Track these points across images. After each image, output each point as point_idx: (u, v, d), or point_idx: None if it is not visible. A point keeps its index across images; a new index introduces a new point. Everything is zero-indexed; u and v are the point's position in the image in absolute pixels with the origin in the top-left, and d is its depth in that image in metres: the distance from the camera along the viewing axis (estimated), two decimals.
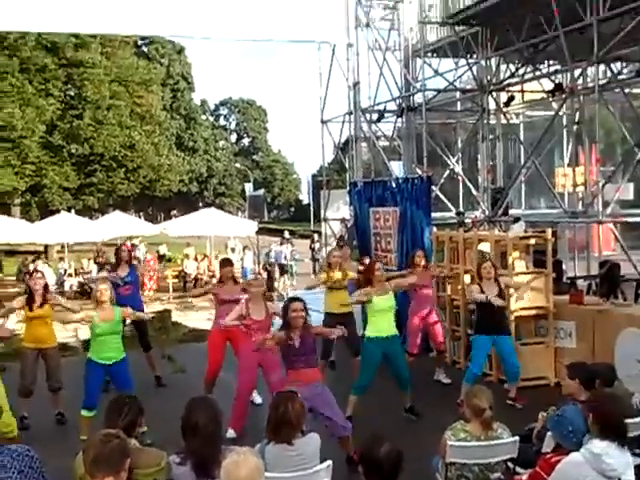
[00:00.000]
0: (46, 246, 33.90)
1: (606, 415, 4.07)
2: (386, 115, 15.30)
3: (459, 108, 17.44)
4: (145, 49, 62.70)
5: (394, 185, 12.39)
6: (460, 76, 16.06)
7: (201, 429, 4.06)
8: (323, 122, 16.12)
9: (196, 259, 23.83)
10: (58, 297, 8.43)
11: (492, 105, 14.90)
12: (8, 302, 8.76)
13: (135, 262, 11.70)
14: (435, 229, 11.51)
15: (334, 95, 15.91)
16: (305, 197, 77.17)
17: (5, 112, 34.02)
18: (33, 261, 22.50)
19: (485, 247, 9.91)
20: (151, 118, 43.66)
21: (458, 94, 16.30)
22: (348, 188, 14.62)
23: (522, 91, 15.75)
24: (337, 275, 9.24)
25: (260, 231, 21.20)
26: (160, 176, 44.71)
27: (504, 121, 15.67)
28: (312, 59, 16.52)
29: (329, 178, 17.63)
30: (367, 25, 14.70)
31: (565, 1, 10.63)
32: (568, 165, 15.86)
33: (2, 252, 26.23)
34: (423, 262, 9.47)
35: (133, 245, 25.16)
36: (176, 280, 22.79)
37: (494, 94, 14.59)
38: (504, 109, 15.10)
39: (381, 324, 7.65)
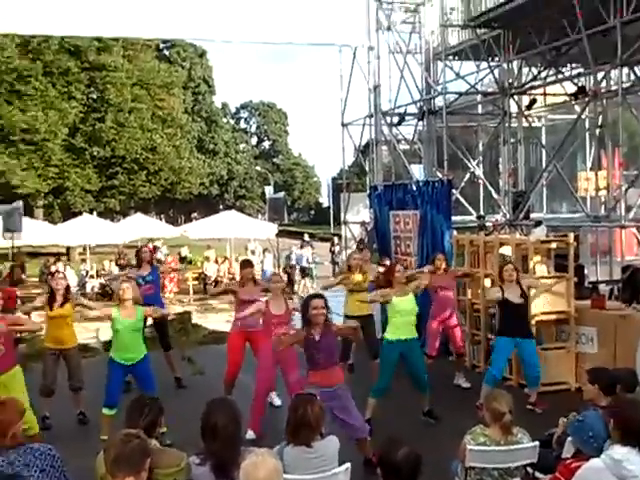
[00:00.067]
0: (68, 248, 34.21)
1: (627, 421, 4.02)
2: (407, 118, 15.30)
3: (480, 111, 17.39)
4: (167, 52, 63.15)
5: (414, 188, 12.37)
6: (482, 79, 16.02)
7: (220, 430, 4.06)
8: (344, 125, 16.14)
9: (216, 261, 23.90)
10: (80, 297, 8.50)
11: (514, 108, 14.83)
12: (30, 303, 8.85)
13: (156, 263, 11.78)
14: (455, 233, 11.47)
15: (355, 98, 15.94)
16: (325, 200, 77.15)
17: (29, 115, 34.37)
18: (55, 262, 22.68)
19: (506, 251, 9.86)
20: (172, 121, 43.89)
21: (479, 97, 16.26)
22: (368, 191, 14.61)
23: (544, 94, 15.68)
24: (357, 277, 9.25)
25: (280, 234, 21.25)
26: (181, 179, 44.92)
27: (526, 124, 15.59)
28: (333, 62, 16.56)
29: (349, 181, 17.64)
30: (388, 28, 14.72)
31: (588, 3, 10.56)
32: (591, 169, 15.76)
33: (25, 254, 26.46)
34: (444, 265, 9.46)
35: (155, 247, 25.28)
36: (196, 282, 22.87)
37: (516, 97, 14.53)
38: (526, 112, 15.03)
39: (401, 326, 7.62)
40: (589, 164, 16.12)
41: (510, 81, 14.21)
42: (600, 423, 4.45)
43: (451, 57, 15.42)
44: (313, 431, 4.53)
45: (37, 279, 21.82)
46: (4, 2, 12.05)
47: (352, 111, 16.32)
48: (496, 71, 14.59)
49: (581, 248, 11.89)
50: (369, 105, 15.14)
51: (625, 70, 13.11)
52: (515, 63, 14.64)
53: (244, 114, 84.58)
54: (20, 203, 15.65)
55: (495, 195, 15.05)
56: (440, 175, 13.34)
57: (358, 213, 16.07)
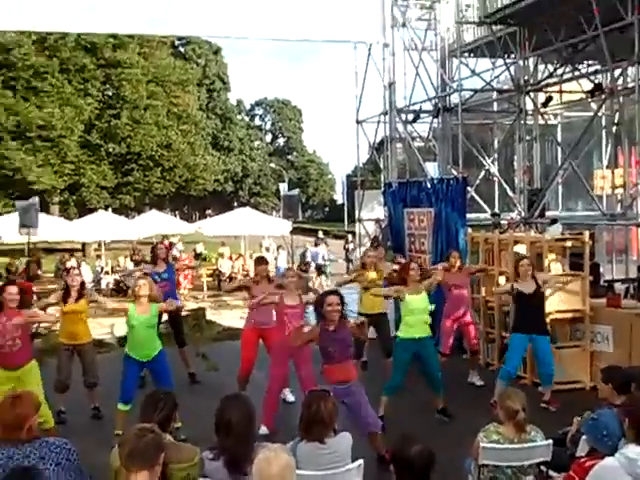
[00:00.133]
0: (83, 244, 34.41)
1: None
2: (422, 115, 15.25)
3: (496, 108, 17.31)
4: (182, 49, 63.38)
5: (429, 186, 12.34)
6: (497, 76, 15.94)
7: (234, 426, 4.08)
8: (358, 122, 16.12)
9: (230, 258, 23.96)
10: (95, 294, 8.56)
11: (529, 106, 14.75)
12: (46, 299, 8.91)
13: (171, 260, 11.82)
14: (470, 230, 11.44)
15: (370, 95, 15.92)
16: (339, 197, 77.27)
17: (45, 112, 34.60)
18: (69, 258, 22.78)
19: (521, 249, 9.82)
20: (187, 118, 44.03)
21: (495, 94, 16.18)
22: (383, 188, 14.59)
23: (560, 91, 15.59)
24: (372, 275, 9.26)
25: (294, 231, 21.25)
26: (196, 175, 45.06)
27: (542, 122, 15.51)
28: (348, 59, 16.55)
29: (364, 178, 17.63)
30: (403, 25, 14.67)
31: (605, 0, 10.49)
32: (607, 167, 15.66)
33: (41, 249, 26.64)
34: (458, 263, 9.44)
35: (171, 243, 25.37)
36: (210, 279, 22.94)
37: (532, 94, 14.45)
38: (542, 110, 14.94)
39: (414, 324, 7.62)
40: (605, 162, 16.01)
41: (526, 78, 14.13)
42: (615, 422, 4.43)
43: (466, 54, 15.36)
44: (326, 427, 4.54)
45: (53, 275, 21.93)
46: (21, 0, 12.14)
47: (367, 108, 16.31)
48: (512, 68, 14.52)
49: (597, 246, 11.84)
50: (384, 102, 15.10)
51: None
52: (531, 60, 14.56)
53: (259, 111, 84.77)
54: (36, 199, 15.74)
55: (510, 193, 14.97)
56: (455, 173, 13.30)
57: (372, 210, 16.04)
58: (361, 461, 4.58)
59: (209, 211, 69.44)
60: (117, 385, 7.49)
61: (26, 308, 7.75)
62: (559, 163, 15.48)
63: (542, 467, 4.85)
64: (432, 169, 15.35)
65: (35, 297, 13.11)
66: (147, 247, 24.46)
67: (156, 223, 25.66)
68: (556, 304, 9.16)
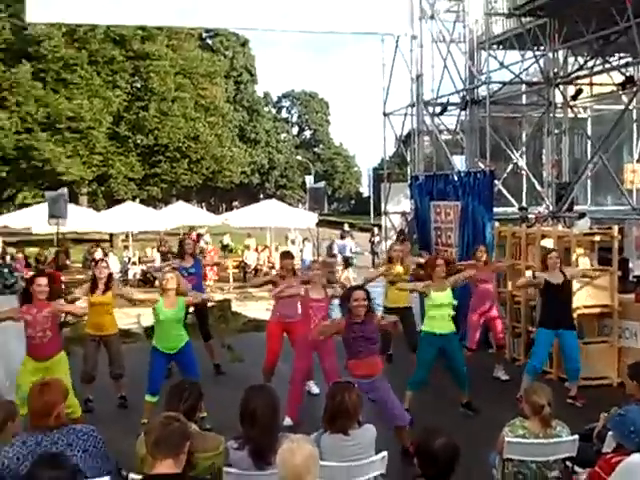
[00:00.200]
0: (111, 235, 34.74)
1: None
2: (449, 108, 15.17)
3: (524, 101, 17.16)
4: (210, 41, 63.57)
5: (456, 179, 12.26)
6: (526, 69, 15.81)
7: (259, 416, 4.11)
8: (385, 115, 16.07)
9: (256, 250, 24.04)
10: (121, 288, 8.63)
11: (559, 99, 14.60)
12: (75, 288, 9.00)
13: (198, 252, 11.86)
14: (497, 224, 11.36)
15: (397, 87, 15.87)
16: (365, 190, 77.14)
17: (74, 103, 34.93)
18: (96, 247, 22.98)
19: (548, 243, 9.73)
20: (215, 110, 44.15)
21: (524, 87, 16.04)
22: (409, 181, 14.53)
23: (591, 84, 15.40)
24: (398, 269, 9.25)
25: (320, 223, 21.25)
26: (223, 167, 45.19)
27: (571, 115, 15.36)
28: (375, 51, 16.49)
29: (390, 171, 17.56)
30: (432, 17, 14.58)
31: None
32: (637, 161, 15.47)
33: (69, 240, 26.94)
34: (484, 257, 9.38)
35: (199, 235, 25.51)
36: (236, 270, 23.04)
37: (561, 87, 14.31)
38: (571, 103, 14.79)
39: (438, 320, 7.62)
40: (636, 156, 15.82)
41: (555, 71, 13.99)
42: None
43: (495, 46, 15.24)
44: (350, 419, 4.54)
45: (81, 265, 22.17)
46: None
47: (394, 101, 16.25)
48: (541, 60, 14.37)
49: (625, 241, 11.67)
50: (411, 95, 15.04)
51: None
52: (561, 52, 14.41)
53: (286, 103, 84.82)
54: (65, 190, 15.86)
55: (538, 187, 14.84)
56: (482, 166, 13.20)
57: (399, 203, 16.01)
58: (385, 453, 4.58)
59: (235, 203, 69.71)
60: (143, 375, 7.56)
61: (55, 297, 7.85)
62: (588, 157, 15.33)
63: (568, 462, 4.82)
64: (459, 162, 15.26)
65: (63, 286, 13.26)
66: (174, 238, 24.70)
67: (183, 214, 25.82)
68: (584, 299, 9.07)
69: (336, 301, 7.68)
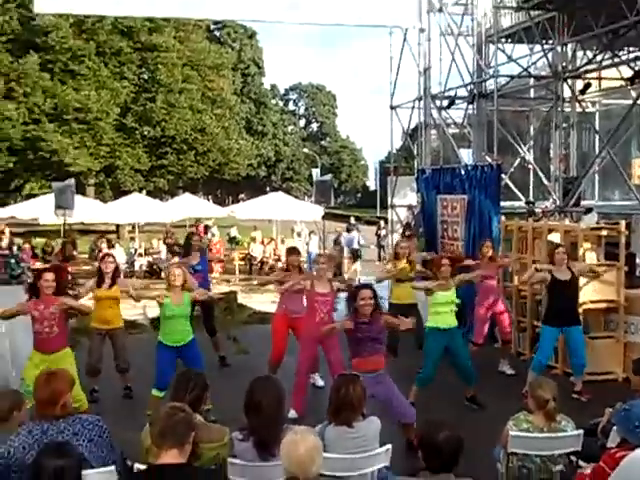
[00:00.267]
0: (118, 226, 34.81)
1: None
2: (457, 101, 15.11)
3: (532, 95, 17.09)
4: (217, 33, 63.54)
5: (463, 173, 12.23)
6: (534, 62, 15.74)
7: (264, 408, 4.13)
8: (392, 108, 16.02)
9: (262, 242, 24.05)
10: (127, 284, 8.61)
11: (567, 93, 14.54)
12: (82, 279, 9.03)
13: (205, 246, 11.82)
14: (504, 218, 11.34)
15: (404, 81, 15.80)
16: (372, 183, 77.14)
17: (82, 94, 34.97)
18: (101, 239, 22.99)
19: (555, 237, 9.71)
20: (222, 102, 44.13)
21: (532, 81, 15.97)
22: (416, 175, 14.49)
23: (599, 78, 15.33)
24: (404, 266, 9.27)
25: (326, 216, 21.23)
26: (229, 160, 45.17)
27: (579, 109, 15.29)
28: (383, 44, 16.44)
29: (397, 164, 17.52)
30: (440, 10, 14.50)
31: None
32: None
33: (76, 231, 27.00)
34: (490, 253, 9.35)
35: (206, 227, 25.51)
36: (242, 263, 23.07)
37: (569, 81, 14.25)
38: (579, 97, 14.72)
39: (442, 315, 7.66)
40: None
41: (564, 64, 13.93)
42: None
43: (503, 39, 15.17)
44: (354, 411, 4.55)
45: (87, 256, 22.21)
46: None
47: (401, 94, 16.19)
48: (550, 54, 14.30)
49: (633, 236, 11.64)
50: (419, 88, 14.98)
51: None
52: (569, 46, 14.34)
53: (293, 96, 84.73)
54: (72, 181, 15.88)
55: (545, 181, 14.79)
56: (489, 160, 13.17)
57: (405, 197, 15.96)
58: (389, 446, 4.59)
59: (242, 195, 69.72)
60: (148, 366, 7.59)
61: (63, 291, 7.86)
62: (596, 151, 15.27)
63: (572, 457, 4.82)
64: (466, 156, 15.20)
65: (70, 277, 13.30)
66: (180, 230, 24.74)
67: (189, 206, 25.86)
68: (590, 294, 9.06)
69: (342, 294, 7.72)
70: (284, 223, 26.34)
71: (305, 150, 74.40)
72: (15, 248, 19.57)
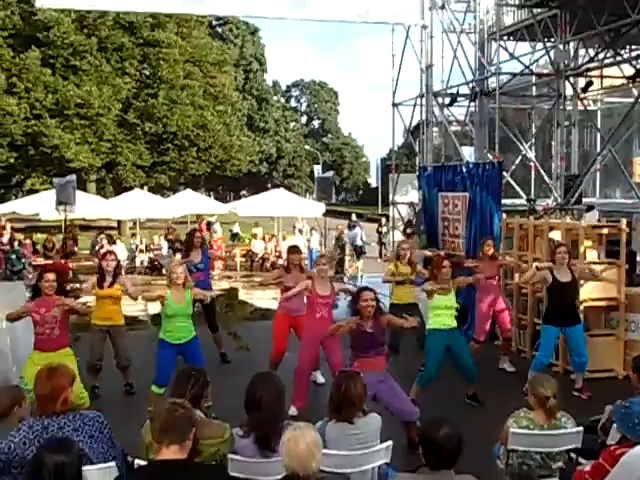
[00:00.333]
0: (119, 222, 34.79)
1: None
2: (459, 99, 15.10)
3: (534, 93, 17.07)
4: (219, 30, 63.45)
5: (464, 170, 12.24)
6: (536, 60, 15.73)
7: (264, 404, 4.13)
8: (394, 105, 16.01)
9: (264, 239, 24.06)
10: (127, 283, 8.58)
11: (569, 91, 14.52)
12: (82, 275, 9.04)
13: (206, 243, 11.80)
14: (505, 216, 11.34)
15: (406, 78, 15.79)
16: (373, 180, 77.02)
17: (83, 90, 34.95)
18: (101, 234, 23.00)
19: (556, 235, 9.71)
20: (224, 98, 44.07)
21: (534, 78, 15.95)
22: (417, 172, 14.50)
23: (601, 76, 15.32)
24: (405, 269, 9.28)
25: (327, 213, 21.24)
26: (231, 156, 45.10)
27: (581, 107, 15.27)
28: (385, 41, 16.42)
29: (398, 162, 17.51)
30: (442, 7, 14.49)
31: None
32: None
33: (77, 227, 27.00)
34: (491, 251, 9.35)
35: (209, 223, 25.50)
36: (243, 259, 23.09)
37: (571, 79, 14.22)
38: (581, 95, 14.71)
39: (442, 317, 7.69)
40: None
41: (566, 62, 13.90)
42: None
43: (506, 37, 15.16)
44: (355, 408, 4.56)
45: (88, 252, 22.23)
46: None
47: (403, 91, 16.18)
48: (552, 52, 14.27)
49: (634, 234, 11.64)
50: (421, 85, 14.98)
51: None
52: (572, 44, 14.32)
53: (295, 92, 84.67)
54: (73, 177, 15.88)
55: (547, 179, 14.78)
56: (491, 157, 13.17)
57: (406, 194, 15.98)
58: (390, 442, 4.59)
59: (243, 192, 69.72)
60: (149, 362, 7.59)
61: (63, 288, 7.86)
62: (597, 149, 15.26)
63: (572, 454, 4.82)
64: (468, 153, 15.21)
65: (71, 273, 13.32)
66: (181, 226, 24.72)
67: (191, 203, 25.85)
68: (591, 292, 9.06)
69: (341, 295, 7.75)
70: (285, 220, 26.35)
71: (307, 147, 74.36)
72: (16, 244, 19.61)
